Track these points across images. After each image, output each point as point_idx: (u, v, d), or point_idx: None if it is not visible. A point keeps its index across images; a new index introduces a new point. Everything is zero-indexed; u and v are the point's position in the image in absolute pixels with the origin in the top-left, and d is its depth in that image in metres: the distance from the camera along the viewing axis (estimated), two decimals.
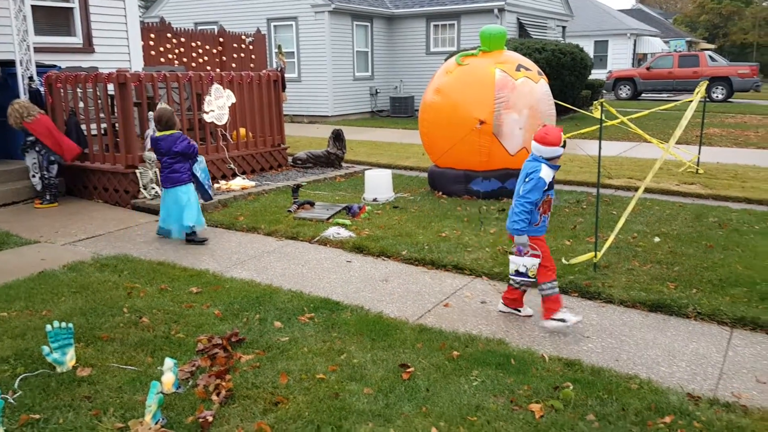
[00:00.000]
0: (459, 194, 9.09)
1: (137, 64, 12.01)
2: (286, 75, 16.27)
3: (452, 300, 5.48)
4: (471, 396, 3.80)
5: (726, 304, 5.17)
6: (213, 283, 5.76)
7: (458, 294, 5.62)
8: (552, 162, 4.76)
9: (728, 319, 4.96)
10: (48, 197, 8.70)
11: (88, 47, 11.26)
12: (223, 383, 3.83)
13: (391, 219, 7.90)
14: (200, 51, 15.62)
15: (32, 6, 10.18)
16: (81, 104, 9.29)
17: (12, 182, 9.01)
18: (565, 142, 4.77)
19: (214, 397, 3.70)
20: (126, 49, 11.86)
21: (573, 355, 4.40)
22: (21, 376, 3.95)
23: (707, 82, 10.23)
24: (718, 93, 28.03)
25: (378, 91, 23.79)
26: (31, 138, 8.53)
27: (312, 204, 8.44)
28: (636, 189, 8.53)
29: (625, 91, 30.55)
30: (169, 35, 14.85)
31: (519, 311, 5.15)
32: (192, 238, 7.10)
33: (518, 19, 23.22)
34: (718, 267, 6.05)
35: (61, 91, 9.24)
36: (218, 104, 9.76)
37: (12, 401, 3.67)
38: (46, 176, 8.64)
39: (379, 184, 9.11)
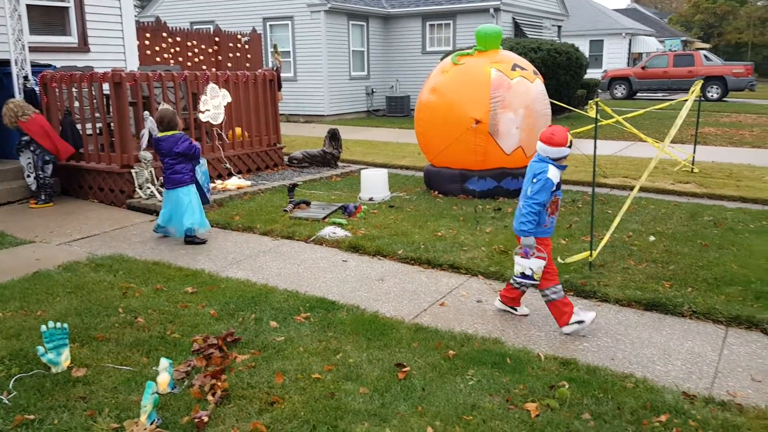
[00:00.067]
0: (455, 193, 9.10)
1: (133, 64, 11.98)
2: (282, 74, 16.24)
3: (448, 299, 5.48)
4: (467, 395, 3.80)
5: (721, 302, 5.18)
6: (208, 282, 5.75)
7: (454, 293, 5.62)
8: (558, 162, 4.72)
9: (723, 318, 4.97)
10: (43, 197, 8.67)
11: (83, 47, 11.23)
12: (219, 383, 3.82)
13: (387, 218, 7.90)
14: (196, 50, 15.60)
15: (27, 5, 10.15)
16: (76, 104, 9.27)
17: (7, 182, 8.99)
18: (571, 142, 4.73)
19: (209, 398, 3.69)
20: (121, 48, 11.84)
21: (569, 354, 4.40)
22: (16, 377, 3.94)
23: (702, 81, 10.23)
24: (713, 92, 28.10)
25: (374, 90, 23.78)
26: (26, 138, 8.51)
27: (308, 203, 8.44)
28: (631, 188, 8.54)
29: (620, 91, 30.60)
30: (164, 35, 14.83)
31: (515, 310, 5.14)
32: (191, 239, 7.08)
33: (514, 18, 23.23)
34: (713, 266, 6.06)
35: (57, 90, 9.21)
36: (214, 104, 9.75)
37: (7, 402, 3.66)
38: (41, 176, 8.62)
39: (375, 184, 9.11)
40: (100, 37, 11.46)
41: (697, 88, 9.74)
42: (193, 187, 7.12)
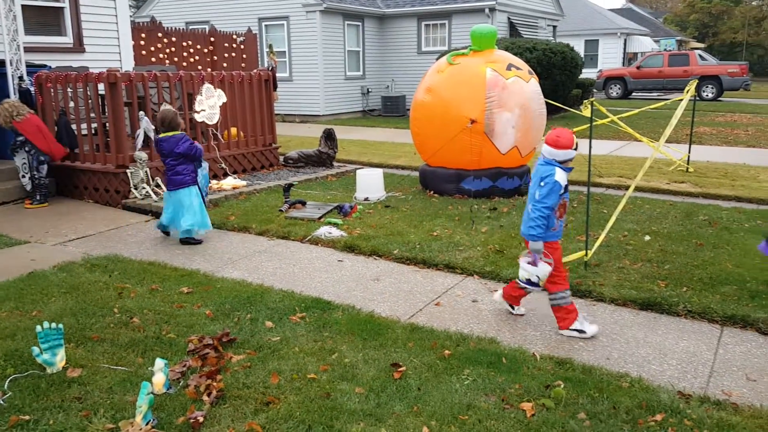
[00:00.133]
0: (450, 193, 9.10)
1: (128, 64, 11.97)
2: (277, 74, 16.22)
3: (444, 299, 5.48)
4: (462, 395, 3.80)
5: (716, 302, 5.19)
6: (204, 283, 5.75)
7: (450, 293, 5.62)
8: (565, 164, 4.68)
9: (719, 317, 4.99)
10: (38, 197, 8.66)
11: (78, 47, 11.22)
12: (214, 383, 3.82)
13: (383, 218, 7.90)
14: (191, 50, 15.58)
15: (22, 5, 10.13)
16: (71, 104, 9.25)
17: (2, 182, 8.96)
18: (577, 144, 4.71)
19: (205, 398, 3.69)
20: (117, 48, 11.82)
21: (564, 354, 4.41)
22: (11, 377, 3.93)
23: (697, 80, 10.27)
24: (708, 92, 28.17)
25: (369, 90, 23.77)
26: (20, 138, 8.49)
27: (303, 203, 8.43)
28: (626, 187, 8.56)
29: (615, 90, 30.65)
30: (159, 35, 14.81)
31: (513, 309, 5.14)
32: (187, 240, 7.07)
33: (509, 18, 23.25)
34: (708, 265, 6.07)
35: (52, 90, 9.19)
36: (209, 104, 9.74)
37: (2, 402, 3.65)
38: (35, 176, 8.60)
39: (370, 184, 9.11)
40: (95, 38, 11.44)
41: (692, 87, 9.78)
42: (194, 188, 7.06)
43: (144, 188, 8.66)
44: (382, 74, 24.13)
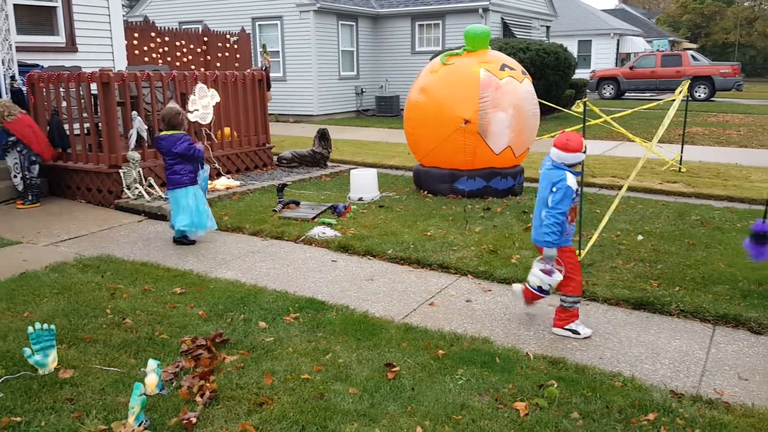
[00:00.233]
0: (444, 193, 9.11)
1: (121, 64, 11.93)
2: (271, 74, 16.20)
3: (437, 299, 5.48)
4: (456, 395, 3.80)
5: (708, 301, 5.21)
6: (197, 283, 5.73)
7: (443, 293, 5.63)
8: (573, 168, 4.65)
9: (711, 317, 5.00)
10: (30, 197, 8.62)
11: (71, 46, 11.18)
12: (207, 384, 3.81)
13: (377, 218, 7.90)
14: (184, 50, 15.55)
15: (15, 5, 10.08)
16: (64, 104, 9.22)
17: None
18: (585, 147, 4.68)
19: (198, 399, 3.68)
20: (109, 48, 11.78)
21: (557, 354, 4.42)
22: (2, 379, 3.91)
23: (690, 81, 10.30)
24: (701, 92, 28.28)
25: (363, 90, 23.77)
26: (12, 138, 8.45)
27: (297, 203, 8.43)
28: (619, 187, 8.58)
29: (608, 91, 30.74)
30: (152, 34, 14.77)
31: (528, 306, 5.06)
32: (181, 240, 7.04)
33: (502, 18, 23.28)
34: (700, 265, 6.09)
35: (44, 90, 9.16)
36: (202, 103, 9.71)
37: None
38: (27, 176, 8.57)
39: (364, 184, 9.10)
40: (88, 37, 11.40)
41: (684, 88, 9.80)
42: (192, 189, 6.96)
43: (137, 188, 8.63)
44: (376, 74, 24.12)
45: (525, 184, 9.77)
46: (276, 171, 11.16)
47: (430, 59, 12.00)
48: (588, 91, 26.47)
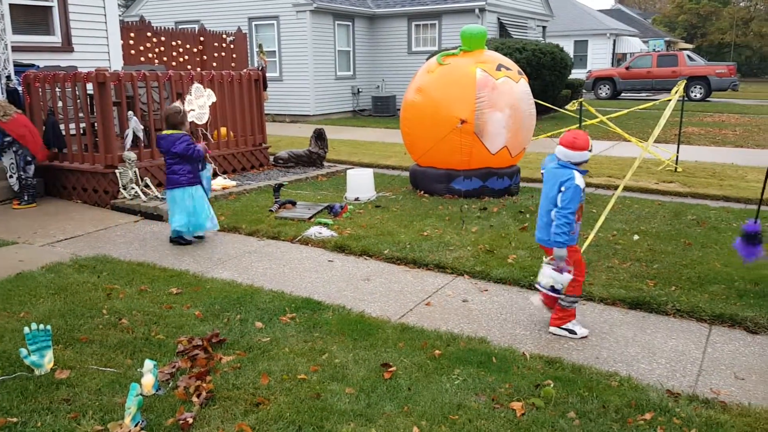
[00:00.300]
0: (440, 193, 9.11)
1: (117, 64, 11.91)
2: (267, 74, 16.18)
3: (434, 299, 5.48)
4: (452, 395, 3.80)
5: (705, 301, 5.22)
6: (193, 283, 5.73)
7: (440, 293, 5.63)
8: (580, 167, 4.63)
9: (707, 316, 5.01)
10: (26, 198, 8.60)
11: (67, 46, 11.15)
12: (204, 384, 3.80)
13: (373, 218, 7.90)
14: (181, 50, 15.53)
15: (10, 4, 10.06)
16: (60, 104, 9.20)
17: None
18: (591, 146, 4.66)
19: (194, 399, 3.67)
20: (105, 48, 11.76)
21: (554, 353, 4.42)
22: None
23: (685, 81, 10.32)
24: (697, 92, 28.32)
25: (360, 90, 23.77)
26: (8, 138, 8.43)
27: (294, 203, 8.42)
28: (615, 187, 8.59)
29: (604, 91, 30.77)
30: (149, 34, 14.76)
31: (550, 311, 4.97)
32: (177, 240, 7.03)
33: (499, 19, 23.29)
34: (696, 264, 6.11)
35: (40, 90, 9.14)
36: (199, 103, 9.70)
37: None
38: (23, 177, 8.55)
39: (360, 184, 9.10)
40: (84, 37, 11.38)
41: (680, 88, 9.82)
42: (191, 190, 6.92)
43: (133, 188, 8.62)
44: (373, 74, 24.12)
45: (521, 184, 9.78)
46: (272, 171, 11.15)
47: (427, 59, 12.02)
48: (584, 91, 26.51)
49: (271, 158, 11.66)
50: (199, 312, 5.02)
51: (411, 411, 3.62)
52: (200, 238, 7.22)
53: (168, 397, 3.74)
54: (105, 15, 11.68)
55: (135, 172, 8.64)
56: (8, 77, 9.09)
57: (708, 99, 28.65)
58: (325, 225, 7.49)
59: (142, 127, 9.01)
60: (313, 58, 21.31)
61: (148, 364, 3.80)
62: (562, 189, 4.56)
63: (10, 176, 8.60)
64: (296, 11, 21.04)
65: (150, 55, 14.69)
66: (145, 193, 8.62)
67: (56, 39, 11.07)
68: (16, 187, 8.63)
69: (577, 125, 11.59)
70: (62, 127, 9.11)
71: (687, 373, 4.19)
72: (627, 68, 30.53)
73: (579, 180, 4.55)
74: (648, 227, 7.50)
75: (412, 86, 9.32)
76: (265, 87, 11.70)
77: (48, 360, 4.05)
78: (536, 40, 23.29)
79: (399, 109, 10.32)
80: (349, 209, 8.25)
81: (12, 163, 8.53)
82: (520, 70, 9.29)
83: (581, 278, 4.78)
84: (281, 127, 19.39)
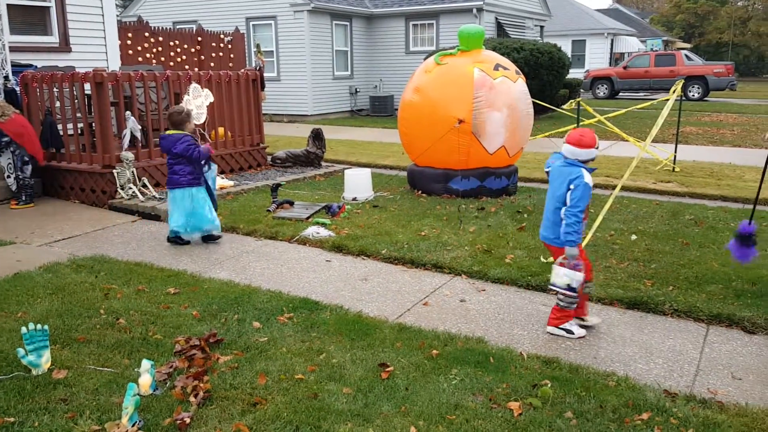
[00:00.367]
0: (438, 193, 9.11)
1: (114, 64, 11.89)
2: (265, 74, 16.20)
3: (432, 299, 5.48)
4: (450, 395, 3.80)
5: (702, 301, 5.22)
6: (191, 283, 5.72)
7: (438, 293, 5.63)
8: (587, 164, 4.63)
9: (704, 316, 5.02)
10: (24, 198, 8.59)
11: (64, 46, 11.14)
12: (201, 384, 3.80)
13: (371, 218, 7.90)
14: (178, 50, 15.50)
15: (8, 5, 10.04)
16: (57, 104, 9.19)
17: None
18: (598, 143, 4.65)
19: (191, 399, 3.67)
20: (103, 48, 11.74)
21: (551, 353, 4.42)
22: None
23: (683, 80, 10.32)
24: (694, 92, 28.35)
25: (358, 90, 23.77)
26: (5, 138, 8.42)
27: (291, 203, 8.42)
28: (613, 187, 8.60)
29: (602, 90, 30.79)
30: (146, 34, 14.73)
31: (584, 320, 4.92)
32: (175, 240, 7.03)
33: (496, 18, 23.30)
34: (694, 264, 6.11)
35: (37, 90, 9.13)
36: (196, 103, 9.67)
37: None
38: (20, 177, 8.54)
39: (358, 183, 9.10)
40: (81, 37, 11.36)
41: (678, 87, 9.82)
42: (190, 190, 6.88)
43: (131, 188, 8.61)
44: (370, 74, 24.13)
45: (519, 184, 9.79)
46: (270, 171, 11.15)
47: (424, 59, 12.01)
48: (582, 90, 26.53)
49: (269, 158, 11.66)
50: (197, 312, 5.02)
51: (408, 411, 3.62)
52: (211, 238, 7.14)
53: (165, 396, 3.74)
54: (103, 15, 11.66)
55: (132, 172, 8.64)
56: (6, 77, 9.08)
57: (706, 98, 28.68)
58: (323, 225, 7.49)
59: (140, 128, 9.01)
60: (310, 58, 21.31)
61: (146, 364, 3.79)
62: (571, 187, 4.56)
63: (8, 176, 8.59)
64: (294, 11, 21.04)
65: (148, 55, 14.66)
66: (142, 193, 8.62)
67: (54, 39, 11.05)
68: (13, 188, 8.63)
69: (575, 125, 11.59)
70: (60, 127, 9.11)
71: (684, 373, 4.19)
72: (625, 68, 30.55)
73: (588, 178, 4.56)
74: (646, 227, 7.50)
75: (409, 86, 9.32)
76: (262, 87, 11.72)
77: (45, 360, 4.04)
78: (534, 39, 23.30)
79: (396, 109, 10.33)
80: (347, 209, 8.25)
81: (9, 164, 8.52)
82: (517, 69, 9.29)
83: (588, 278, 4.78)
84: (279, 127, 19.38)
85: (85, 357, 4.24)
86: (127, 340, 4.49)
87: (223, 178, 9.94)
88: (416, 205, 8.57)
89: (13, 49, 9.55)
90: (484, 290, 5.67)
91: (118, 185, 8.61)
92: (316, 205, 8.41)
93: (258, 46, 16.22)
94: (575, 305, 4.74)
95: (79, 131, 9.14)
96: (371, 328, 4.74)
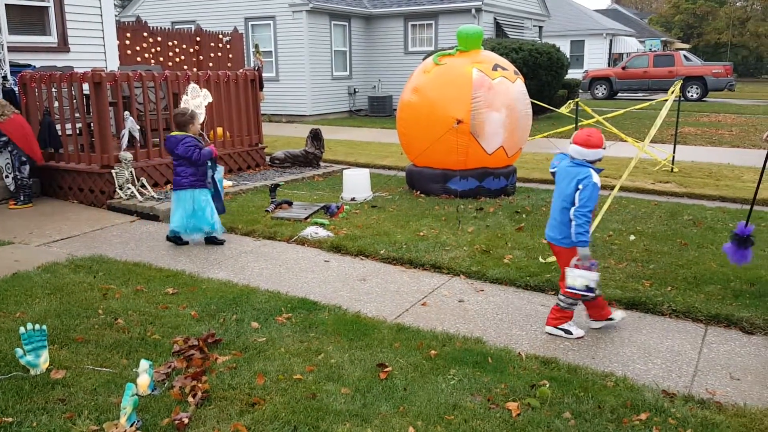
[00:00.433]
0: (437, 193, 9.11)
1: (113, 64, 11.88)
2: (263, 74, 16.18)
3: (430, 299, 5.48)
4: (448, 395, 3.80)
5: (700, 301, 5.22)
6: (189, 284, 5.72)
7: (436, 293, 5.63)
8: (594, 165, 4.63)
9: (703, 317, 5.02)
10: (22, 198, 8.59)
11: (63, 46, 11.12)
12: (199, 385, 3.80)
13: (369, 218, 7.90)
14: (177, 50, 15.49)
15: (6, 5, 10.03)
16: (56, 104, 9.18)
17: None
18: (605, 143, 4.64)
19: (190, 399, 3.67)
20: (102, 48, 11.73)
21: (549, 354, 4.42)
22: None
23: (682, 81, 10.33)
24: (693, 92, 28.36)
25: (356, 90, 23.76)
26: (4, 138, 8.42)
27: (290, 203, 8.42)
28: (612, 187, 8.60)
29: (601, 91, 30.80)
30: (145, 34, 14.71)
31: (612, 319, 4.90)
32: (174, 240, 7.02)
33: (495, 19, 23.31)
34: (692, 265, 6.11)
35: (36, 90, 9.12)
36: (195, 103, 9.63)
37: None
38: (18, 177, 8.53)
39: (357, 184, 9.10)
40: (80, 37, 11.35)
41: (676, 88, 9.83)
42: (192, 192, 6.83)
43: (129, 188, 8.61)
44: (369, 74, 24.12)
45: (518, 184, 9.79)
46: (268, 171, 11.15)
47: (423, 59, 12.02)
48: (580, 91, 26.54)
49: (268, 158, 11.66)
50: (195, 312, 5.02)
51: (407, 411, 3.62)
52: (214, 241, 7.09)
53: (163, 397, 3.74)
54: (101, 15, 11.65)
55: (131, 172, 8.64)
56: (4, 78, 9.07)
57: (704, 99, 28.69)
58: (322, 225, 7.49)
59: (138, 128, 9.00)
60: (309, 58, 21.30)
61: (144, 364, 3.79)
62: (580, 187, 4.55)
63: (6, 176, 8.59)
64: (292, 11, 21.04)
65: (146, 55, 14.65)
66: (141, 194, 8.61)
67: (52, 39, 11.04)
68: (12, 187, 8.62)
69: (574, 125, 11.60)
70: (58, 127, 9.10)
71: (683, 373, 4.20)
72: (623, 68, 30.57)
73: (596, 178, 4.57)
74: (644, 227, 7.51)
75: (408, 86, 9.32)
76: (261, 87, 11.70)
77: (44, 360, 4.04)
78: (533, 40, 23.31)
79: (395, 109, 10.33)
80: (346, 209, 8.25)
81: (8, 164, 8.52)
82: (516, 70, 9.29)
83: None
84: (278, 128, 19.38)
85: (84, 357, 4.24)
86: (126, 341, 4.49)
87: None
88: (415, 206, 8.57)
89: (11, 49, 9.54)
90: (482, 290, 5.68)
91: (116, 185, 8.61)
92: (314, 205, 8.41)
93: (257, 46, 16.19)
94: (575, 307, 4.75)
95: (78, 131, 9.13)
96: (370, 329, 4.74)
